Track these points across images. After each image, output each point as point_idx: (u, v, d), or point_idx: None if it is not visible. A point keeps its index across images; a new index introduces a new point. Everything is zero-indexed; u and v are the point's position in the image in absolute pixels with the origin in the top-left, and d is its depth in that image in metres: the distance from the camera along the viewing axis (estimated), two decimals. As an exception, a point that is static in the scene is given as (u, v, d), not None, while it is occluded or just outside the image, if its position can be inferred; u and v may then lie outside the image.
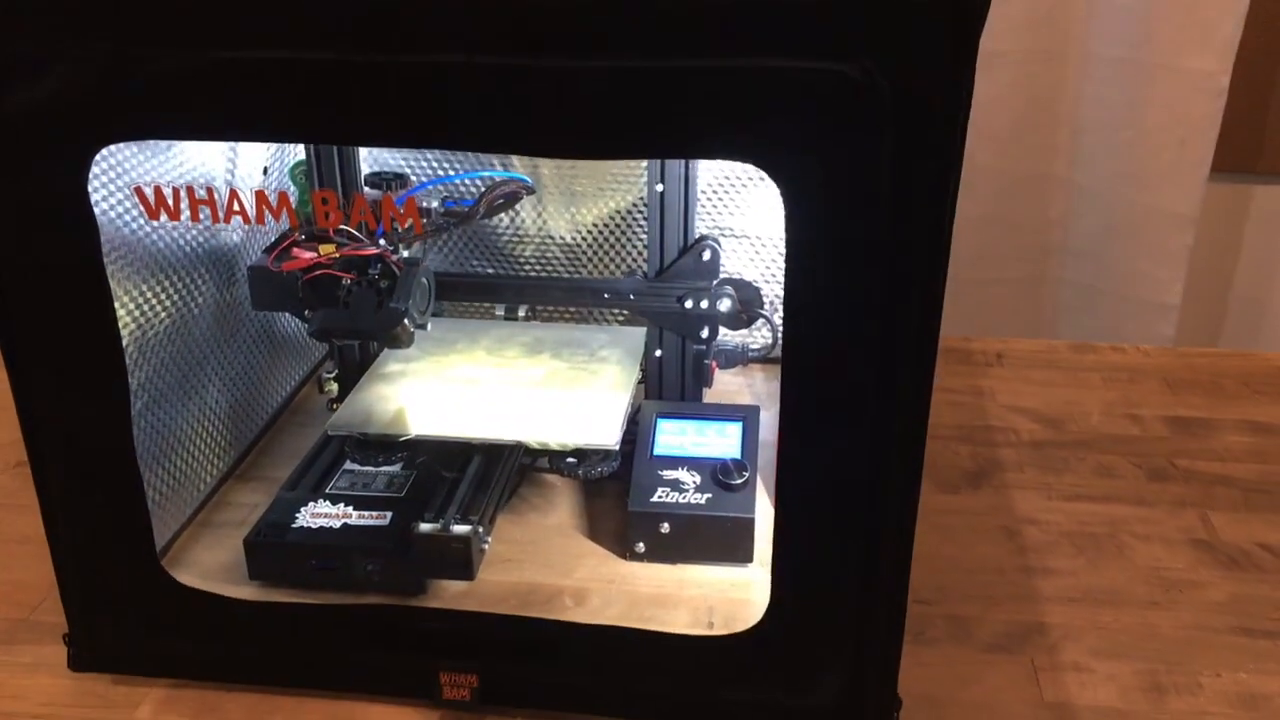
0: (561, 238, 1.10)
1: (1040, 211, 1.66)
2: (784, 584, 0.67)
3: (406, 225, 0.73)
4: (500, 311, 1.08)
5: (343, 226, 0.87)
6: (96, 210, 0.65)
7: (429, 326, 0.91)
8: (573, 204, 1.08)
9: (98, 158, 0.65)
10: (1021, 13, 1.55)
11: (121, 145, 0.72)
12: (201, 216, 0.68)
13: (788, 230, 0.59)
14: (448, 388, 0.94)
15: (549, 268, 1.10)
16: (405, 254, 0.93)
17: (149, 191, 0.67)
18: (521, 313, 1.07)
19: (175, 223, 0.77)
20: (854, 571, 0.66)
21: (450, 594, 0.81)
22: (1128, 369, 1.18)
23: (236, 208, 0.68)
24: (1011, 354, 1.21)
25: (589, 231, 1.09)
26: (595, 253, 1.09)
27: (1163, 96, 1.53)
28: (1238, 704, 0.75)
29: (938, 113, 0.55)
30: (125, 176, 0.74)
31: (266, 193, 0.93)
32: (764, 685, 0.69)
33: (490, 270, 1.11)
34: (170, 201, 0.66)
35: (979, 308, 1.72)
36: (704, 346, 0.95)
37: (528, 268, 1.11)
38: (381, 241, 0.88)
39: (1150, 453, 1.03)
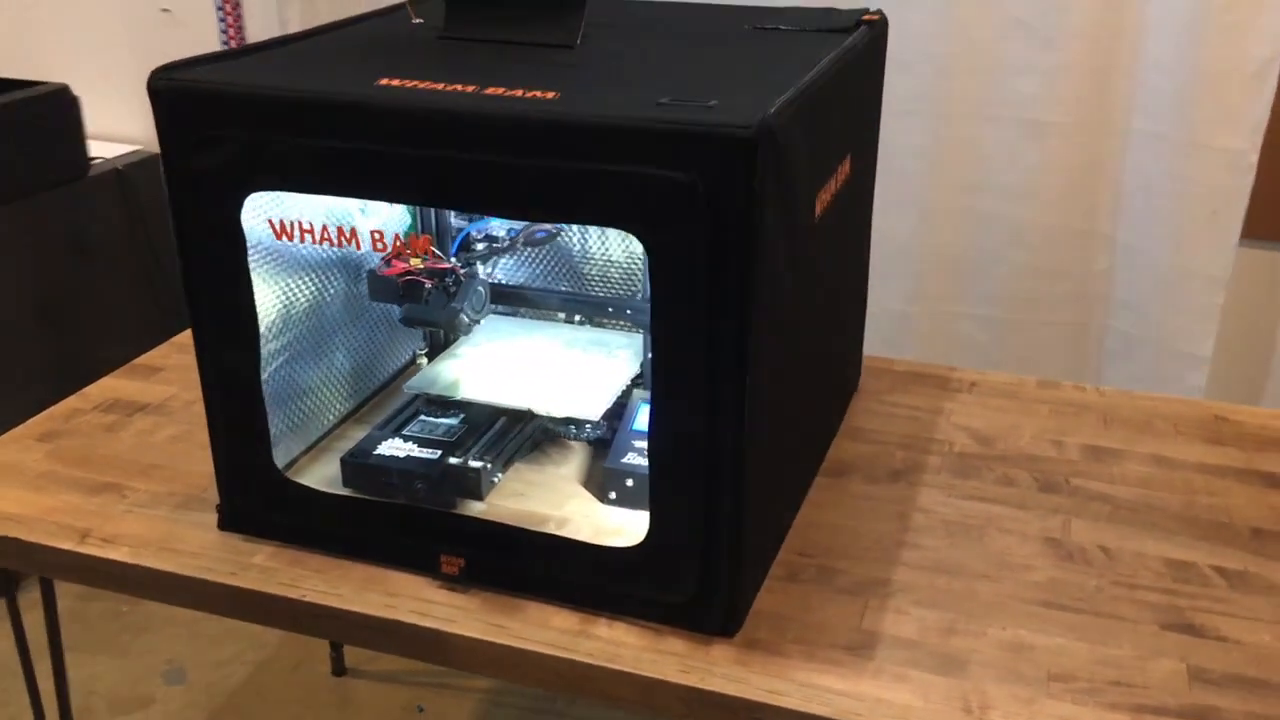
0: (617, 261, 1.42)
1: (1086, 263, 1.85)
2: (655, 517, 0.98)
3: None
4: (561, 315, 1.42)
5: (430, 248, 1.24)
6: (255, 230, 1.03)
7: (482, 321, 1.26)
8: (627, 236, 1.41)
9: (253, 198, 1.03)
10: (1071, 89, 1.76)
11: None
12: (307, 240, 1.06)
13: (651, 276, 0.90)
14: (495, 366, 1.29)
15: (607, 285, 1.43)
16: (481, 269, 1.29)
17: (276, 223, 1.05)
18: (577, 318, 1.41)
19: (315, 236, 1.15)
20: (699, 511, 0.96)
21: (471, 510, 1.16)
22: (1078, 405, 1.40)
23: (327, 236, 1.05)
24: (984, 384, 1.45)
25: (640, 257, 1.41)
26: (641, 273, 1.41)
27: (1196, 170, 1.71)
28: (1005, 648, 0.99)
29: (737, 207, 0.86)
30: (278, 210, 1.12)
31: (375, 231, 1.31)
32: (645, 583, 1.00)
33: (564, 286, 1.45)
34: (288, 229, 1.04)
35: (1028, 348, 1.93)
36: (685, 353, 1.26)
37: (592, 283, 1.44)
38: (454, 259, 1.24)
39: (1053, 471, 1.26)
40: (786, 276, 0.97)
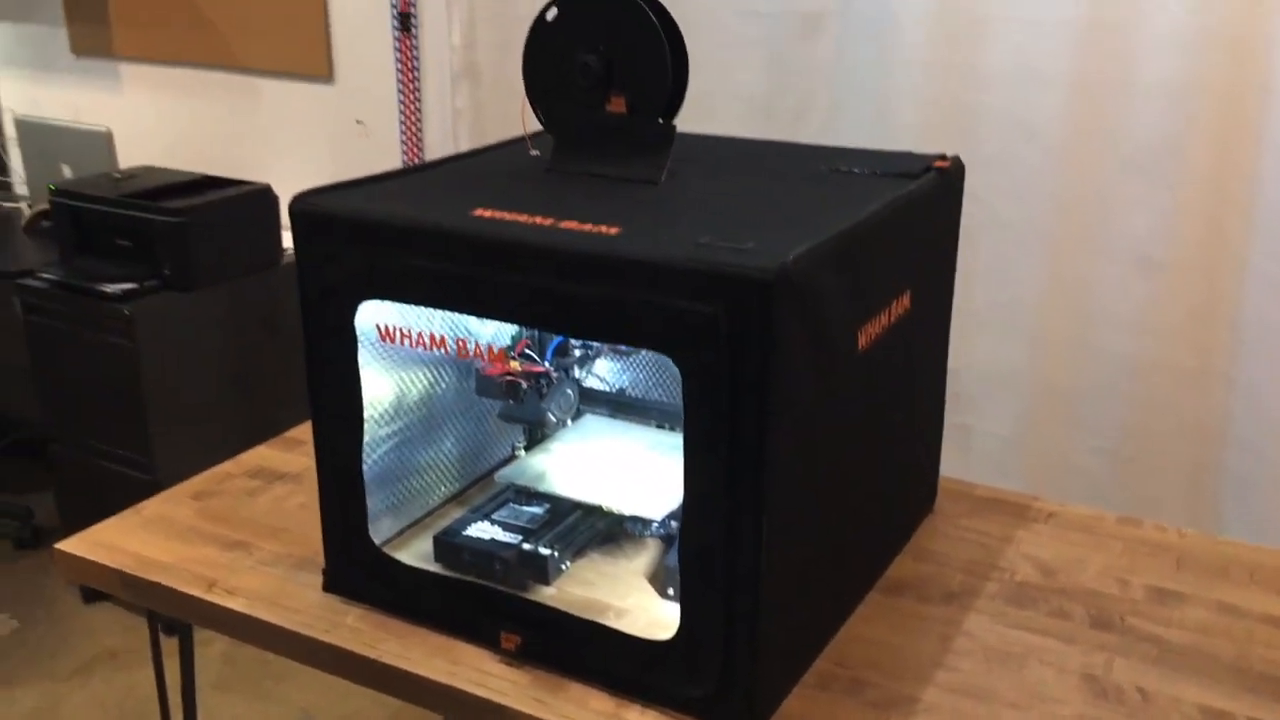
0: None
1: (1202, 401, 1.83)
2: (684, 618, 1.07)
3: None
4: (654, 420, 1.54)
5: (527, 351, 1.38)
6: (373, 332, 1.20)
7: (579, 421, 1.39)
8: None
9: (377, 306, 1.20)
10: (1187, 229, 1.77)
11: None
12: (406, 344, 1.22)
13: (683, 391, 1.01)
14: (580, 463, 1.41)
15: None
16: (577, 372, 1.43)
17: (383, 327, 1.21)
18: (666, 423, 1.52)
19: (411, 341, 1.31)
20: (720, 613, 1.04)
21: (537, 594, 1.27)
22: (1154, 544, 1.40)
23: (421, 341, 1.21)
24: (1063, 516, 1.47)
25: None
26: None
27: (1317, 313, 1.69)
28: (1012, 777, 1.03)
29: (756, 340, 0.96)
30: (394, 317, 1.29)
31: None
32: (673, 676, 1.09)
33: (657, 393, 1.57)
34: (391, 333, 1.20)
35: (1142, 485, 1.91)
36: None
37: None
38: (548, 363, 1.38)
39: (1110, 608, 1.27)
40: (815, 404, 1.05)
